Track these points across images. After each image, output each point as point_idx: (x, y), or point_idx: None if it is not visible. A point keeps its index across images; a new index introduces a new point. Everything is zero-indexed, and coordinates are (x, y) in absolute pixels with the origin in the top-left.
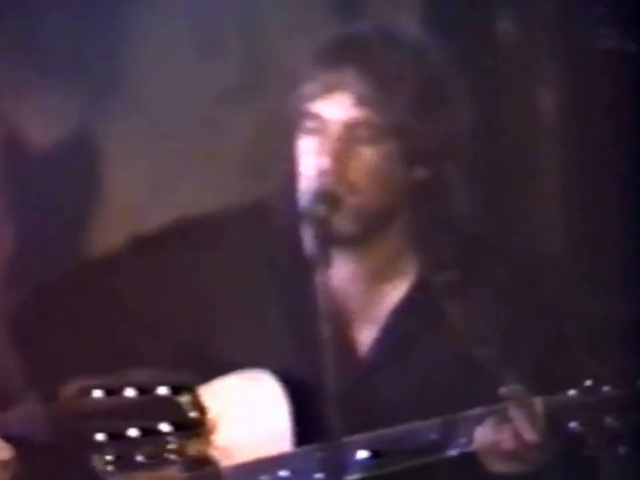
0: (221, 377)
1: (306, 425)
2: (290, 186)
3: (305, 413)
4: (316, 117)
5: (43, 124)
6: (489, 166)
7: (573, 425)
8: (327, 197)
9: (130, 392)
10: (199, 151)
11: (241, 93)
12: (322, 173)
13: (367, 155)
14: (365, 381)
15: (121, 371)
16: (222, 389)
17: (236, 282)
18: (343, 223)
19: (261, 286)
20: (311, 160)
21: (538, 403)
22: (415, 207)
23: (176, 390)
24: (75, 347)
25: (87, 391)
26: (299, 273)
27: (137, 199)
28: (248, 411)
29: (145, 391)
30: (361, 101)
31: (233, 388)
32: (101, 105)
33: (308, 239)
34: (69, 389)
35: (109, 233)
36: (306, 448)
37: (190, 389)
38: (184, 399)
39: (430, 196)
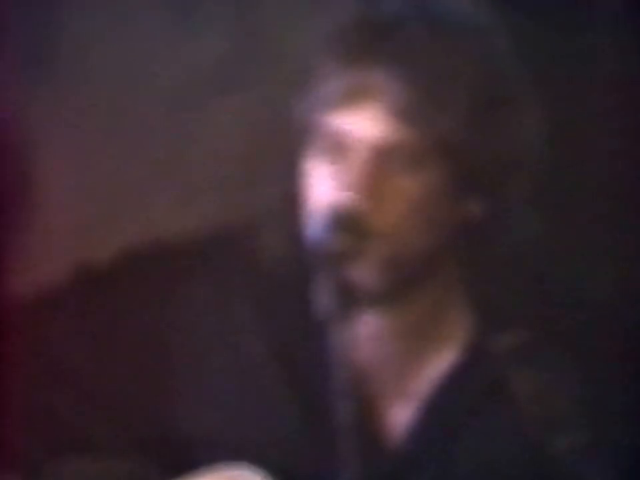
0: (188, 476)
1: None
2: (289, 211)
3: None
4: (334, 131)
5: None
6: (567, 197)
7: None
8: (352, 223)
9: None
10: (164, 156)
11: (224, 82)
12: (340, 208)
13: (405, 187)
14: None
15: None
16: None
17: (215, 337)
18: (367, 274)
19: (249, 344)
20: (325, 188)
21: None
22: (466, 251)
23: None
24: None
25: None
26: (306, 327)
27: (81, 220)
28: None
29: None
30: (397, 113)
31: None
32: (31, 93)
33: (319, 283)
34: None
35: (44, 264)
36: None
37: None
38: None
39: (486, 236)
